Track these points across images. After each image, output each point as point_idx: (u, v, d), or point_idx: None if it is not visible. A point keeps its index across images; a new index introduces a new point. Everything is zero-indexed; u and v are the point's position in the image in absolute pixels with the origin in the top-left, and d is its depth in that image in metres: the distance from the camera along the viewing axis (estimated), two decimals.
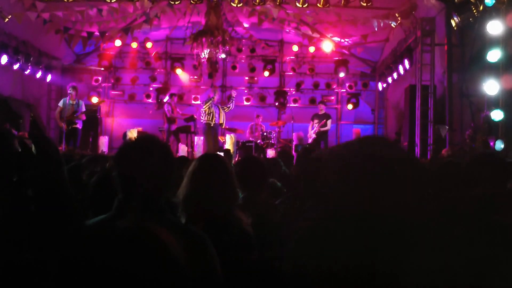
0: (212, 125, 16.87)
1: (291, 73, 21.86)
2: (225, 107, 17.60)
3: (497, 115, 12.09)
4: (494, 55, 12.17)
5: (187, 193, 3.34)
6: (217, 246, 2.85)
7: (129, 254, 1.58)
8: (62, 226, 2.27)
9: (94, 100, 20.02)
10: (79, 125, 16.53)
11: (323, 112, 18.87)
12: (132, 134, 17.32)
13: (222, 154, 10.18)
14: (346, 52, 21.07)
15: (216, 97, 17.20)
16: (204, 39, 16.73)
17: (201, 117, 17.12)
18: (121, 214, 2.57)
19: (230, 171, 3.52)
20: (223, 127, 17.48)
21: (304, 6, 15.48)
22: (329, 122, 18.54)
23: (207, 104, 16.83)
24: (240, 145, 18.06)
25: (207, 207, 3.29)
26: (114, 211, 2.63)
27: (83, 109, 16.55)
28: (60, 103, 16.59)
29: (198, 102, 20.92)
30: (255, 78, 21.76)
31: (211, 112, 16.83)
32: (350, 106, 21.45)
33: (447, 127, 14.12)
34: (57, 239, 2.17)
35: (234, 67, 21.45)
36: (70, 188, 2.43)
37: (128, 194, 2.63)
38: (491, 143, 12.06)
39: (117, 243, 1.62)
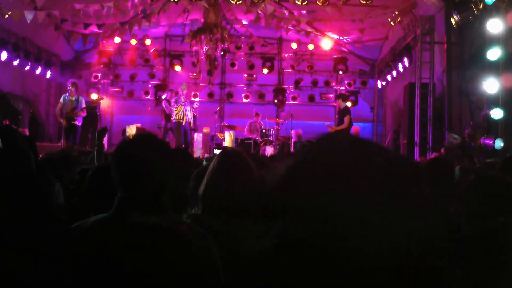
0: (183, 123, 16.69)
1: (290, 71, 21.87)
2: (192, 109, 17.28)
3: (497, 113, 12.13)
4: (494, 54, 12.20)
5: (208, 187, 3.30)
6: (235, 239, 2.84)
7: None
8: (37, 221, 2.27)
9: (94, 96, 19.99)
10: (78, 122, 16.34)
11: (341, 107, 17.54)
12: (131, 130, 17.28)
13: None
14: (345, 50, 21.14)
15: (184, 93, 16.98)
16: (203, 37, 16.69)
17: (172, 116, 16.96)
18: (123, 213, 2.53)
19: (252, 166, 3.47)
20: (191, 126, 17.22)
21: (303, 3, 15.48)
22: (345, 118, 16.69)
23: (179, 107, 16.67)
24: (239, 143, 18.03)
25: (229, 201, 3.25)
26: (115, 210, 2.57)
27: (83, 105, 16.39)
28: (61, 99, 16.41)
29: (198, 99, 20.92)
30: (254, 76, 21.77)
31: (180, 111, 16.65)
32: (349, 104, 20.54)
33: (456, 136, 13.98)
34: (33, 235, 2.16)
35: (233, 65, 21.43)
36: (42, 181, 2.42)
37: (128, 193, 2.58)
38: (490, 142, 12.05)
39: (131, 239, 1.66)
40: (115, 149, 2.72)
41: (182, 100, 16.79)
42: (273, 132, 18.59)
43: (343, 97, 17.43)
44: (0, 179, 2.31)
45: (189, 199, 3.49)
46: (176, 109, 16.72)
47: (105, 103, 20.86)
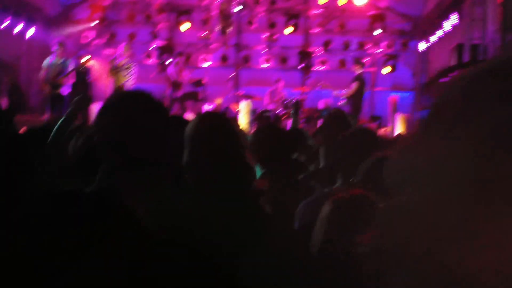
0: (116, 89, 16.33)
1: (318, 30, 20.90)
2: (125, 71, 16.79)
3: None
4: None
5: (188, 159, 3.33)
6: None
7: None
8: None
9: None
10: (65, 90, 15.92)
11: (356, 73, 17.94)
12: None
13: None
14: (383, 5, 20.41)
15: (127, 55, 16.78)
16: None
17: None
18: (107, 186, 2.44)
19: (237, 134, 3.49)
20: None
21: None
22: (353, 85, 17.29)
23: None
24: (257, 115, 17.58)
25: (211, 176, 3.30)
26: (98, 183, 2.45)
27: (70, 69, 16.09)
28: (45, 63, 16.00)
29: (209, 63, 20.35)
30: (275, 36, 20.81)
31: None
32: (386, 70, 20.51)
33: None
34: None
35: (250, 23, 20.40)
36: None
37: (113, 163, 2.48)
38: None
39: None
40: (98, 112, 2.63)
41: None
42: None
43: (358, 62, 18.03)
44: None
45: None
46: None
47: (99, 67, 19.78)
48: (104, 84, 20.16)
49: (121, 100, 2.65)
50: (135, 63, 16.99)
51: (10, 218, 2.16)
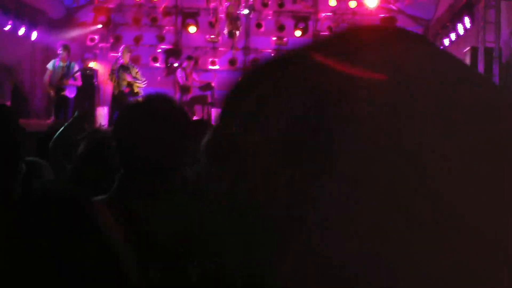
0: (116, 93, 16.26)
1: (328, 33, 20.12)
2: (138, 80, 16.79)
3: None
4: None
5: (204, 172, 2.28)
6: None
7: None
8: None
9: (91, 65, 19.10)
10: (70, 93, 15.79)
11: None
12: None
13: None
14: (394, 8, 20.41)
15: (127, 58, 16.63)
16: None
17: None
18: (125, 194, 2.51)
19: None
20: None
21: None
22: None
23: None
24: None
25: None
26: (115, 191, 2.52)
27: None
28: (50, 66, 15.85)
29: (216, 67, 20.11)
30: (284, 39, 20.47)
31: (114, 80, 16.27)
32: None
33: None
34: None
35: (259, 25, 20.23)
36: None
37: (131, 170, 2.53)
38: None
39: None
40: (117, 116, 2.84)
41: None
42: None
43: None
44: None
45: None
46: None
47: (104, 71, 19.39)
48: (110, 88, 20.20)
49: (139, 107, 2.70)
50: (138, 66, 17.00)
51: (5, 222, 2.13)
